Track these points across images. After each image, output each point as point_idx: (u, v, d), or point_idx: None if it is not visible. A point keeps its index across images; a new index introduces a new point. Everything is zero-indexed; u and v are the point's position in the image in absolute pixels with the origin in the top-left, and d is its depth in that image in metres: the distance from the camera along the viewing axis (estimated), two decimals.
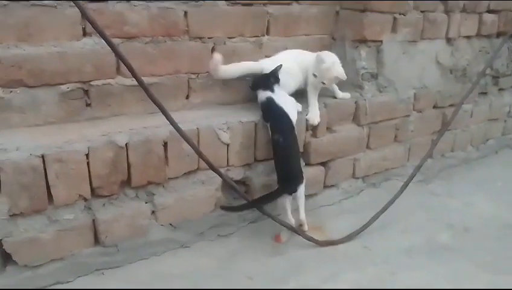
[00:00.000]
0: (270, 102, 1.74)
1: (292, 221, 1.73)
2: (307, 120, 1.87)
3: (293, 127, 1.74)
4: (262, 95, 1.77)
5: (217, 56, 1.72)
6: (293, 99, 1.84)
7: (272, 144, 1.72)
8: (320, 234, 1.83)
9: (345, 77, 1.82)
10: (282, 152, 1.70)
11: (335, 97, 2.03)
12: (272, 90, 1.76)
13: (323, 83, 1.83)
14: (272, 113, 1.74)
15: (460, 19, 2.36)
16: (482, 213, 2.11)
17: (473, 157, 2.79)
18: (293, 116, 1.76)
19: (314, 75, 1.82)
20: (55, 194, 1.41)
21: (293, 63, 1.86)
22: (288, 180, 1.70)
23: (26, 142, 1.37)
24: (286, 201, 1.71)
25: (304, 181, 1.74)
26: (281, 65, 1.79)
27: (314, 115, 1.87)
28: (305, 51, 1.94)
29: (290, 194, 1.71)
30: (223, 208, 1.73)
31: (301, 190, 1.73)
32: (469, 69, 2.54)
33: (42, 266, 1.45)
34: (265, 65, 1.83)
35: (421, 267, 1.67)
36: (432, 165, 2.51)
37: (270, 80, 1.78)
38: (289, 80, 1.84)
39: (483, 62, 2.53)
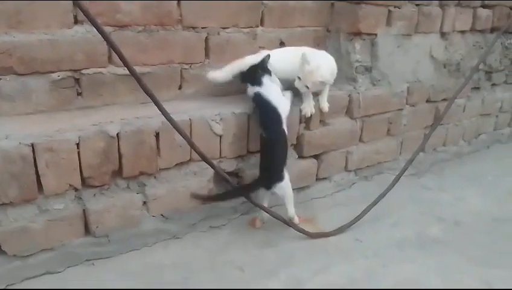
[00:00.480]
0: (257, 97, 1.71)
1: (263, 215, 1.78)
2: (300, 110, 1.87)
3: (281, 122, 1.68)
4: (251, 90, 1.73)
5: (212, 75, 1.78)
6: (286, 92, 1.80)
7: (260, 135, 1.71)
8: (311, 226, 1.83)
9: (331, 82, 1.77)
10: (264, 147, 1.69)
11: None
12: (260, 84, 1.71)
13: (307, 87, 1.75)
14: (260, 108, 1.71)
15: (455, 13, 2.36)
16: (472, 207, 2.13)
17: (464, 152, 2.81)
18: (283, 110, 1.71)
19: (299, 78, 1.74)
20: (45, 184, 1.39)
21: (290, 54, 1.81)
22: (265, 175, 1.69)
23: (16, 131, 1.35)
24: (264, 195, 1.75)
25: (285, 180, 1.69)
26: (268, 55, 1.74)
27: (308, 107, 1.85)
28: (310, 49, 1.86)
29: (266, 189, 1.70)
30: (195, 196, 1.69)
31: (280, 187, 1.69)
32: (463, 63, 2.54)
33: (32, 256, 1.43)
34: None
35: (412, 260, 1.67)
36: (424, 159, 2.52)
37: (258, 72, 1.73)
38: (287, 67, 1.79)
39: (477, 57, 2.54)
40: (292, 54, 1.81)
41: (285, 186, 1.70)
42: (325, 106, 1.89)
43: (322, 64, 1.72)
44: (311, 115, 1.87)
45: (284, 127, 1.70)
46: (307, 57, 1.68)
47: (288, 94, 1.81)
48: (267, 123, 1.68)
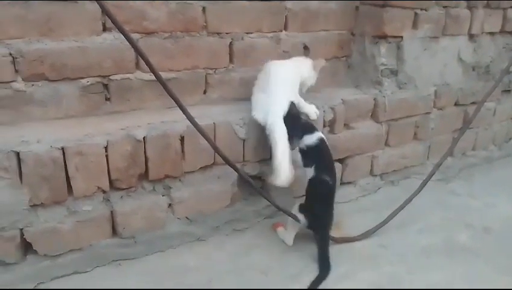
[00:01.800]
0: (322, 142, 1.68)
1: (289, 242, 1.73)
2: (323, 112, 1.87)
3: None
4: (308, 139, 1.66)
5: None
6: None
7: (316, 182, 1.66)
8: (336, 231, 1.81)
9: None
10: (330, 194, 1.68)
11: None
12: (312, 131, 1.68)
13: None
14: (324, 153, 1.69)
15: (483, 15, 2.31)
16: (503, 214, 2.06)
17: (495, 157, 2.73)
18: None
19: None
20: (74, 186, 1.44)
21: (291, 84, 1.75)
22: (319, 223, 1.67)
23: (47, 135, 1.40)
24: (295, 226, 1.71)
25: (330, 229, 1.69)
26: (292, 102, 1.65)
27: (312, 109, 1.82)
28: (290, 62, 1.80)
29: (310, 229, 1.69)
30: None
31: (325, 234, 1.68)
32: (492, 66, 2.48)
33: (61, 256, 1.48)
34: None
35: (438, 268, 1.64)
36: (452, 163, 2.47)
37: (299, 121, 1.68)
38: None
39: (507, 59, 2.46)
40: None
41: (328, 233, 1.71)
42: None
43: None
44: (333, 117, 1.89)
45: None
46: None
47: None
48: (332, 169, 1.69)
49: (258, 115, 1.67)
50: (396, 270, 1.62)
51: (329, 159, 1.71)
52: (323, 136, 1.70)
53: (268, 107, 1.63)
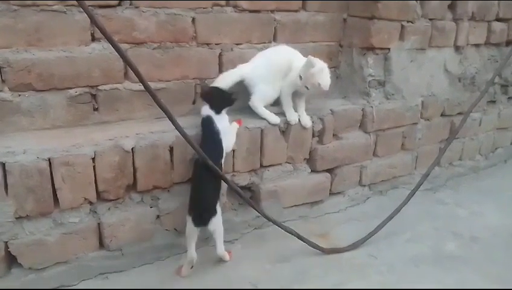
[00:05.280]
0: (207, 121, 1.60)
1: (192, 255, 1.55)
2: (300, 124, 1.85)
3: (222, 156, 1.60)
4: (205, 110, 1.62)
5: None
6: (233, 126, 1.70)
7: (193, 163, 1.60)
8: (325, 242, 1.82)
9: (327, 88, 1.71)
10: (200, 176, 1.55)
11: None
12: (218, 111, 1.62)
13: (307, 88, 1.72)
14: (206, 135, 1.60)
15: (469, 27, 2.35)
16: (490, 223, 2.08)
17: (481, 166, 2.77)
18: (227, 146, 1.64)
19: (300, 77, 1.72)
20: (61, 198, 1.42)
21: (271, 68, 1.79)
22: (199, 209, 1.55)
23: (33, 146, 1.38)
24: (192, 231, 1.55)
25: (218, 215, 1.57)
26: (237, 92, 1.68)
27: (292, 116, 1.82)
28: (294, 51, 1.85)
29: (203, 225, 1.55)
30: None
31: (214, 223, 1.55)
32: (478, 77, 2.52)
33: (47, 269, 1.45)
34: (244, 71, 1.77)
35: (427, 277, 1.65)
36: (439, 173, 2.49)
37: (225, 98, 1.65)
38: (269, 91, 1.80)
39: (492, 70, 2.51)
40: (268, 59, 1.81)
41: (218, 222, 1.58)
42: (307, 121, 1.86)
43: (325, 69, 1.71)
44: (315, 126, 1.88)
45: (222, 161, 1.62)
46: (313, 60, 1.67)
47: (235, 128, 1.71)
48: (209, 152, 1.53)
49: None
50: (385, 280, 1.62)
51: (210, 142, 1.58)
52: (214, 117, 1.60)
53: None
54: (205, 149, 1.52)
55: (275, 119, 1.79)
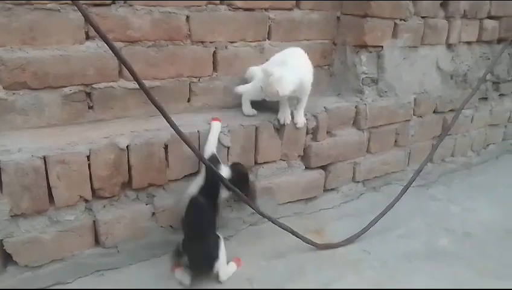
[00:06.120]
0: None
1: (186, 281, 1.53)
2: (295, 124, 1.86)
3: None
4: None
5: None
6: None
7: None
8: (319, 237, 1.83)
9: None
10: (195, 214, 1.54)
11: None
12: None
13: (267, 96, 1.68)
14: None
15: (461, 25, 2.38)
16: (482, 218, 2.11)
17: (473, 163, 2.80)
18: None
19: (261, 87, 1.69)
20: (56, 195, 1.42)
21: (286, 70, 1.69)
22: (201, 257, 1.53)
23: (28, 144, 1.39)
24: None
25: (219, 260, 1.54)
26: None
27: (283, 115, 1.82)
28: (304, 56, 1.80)
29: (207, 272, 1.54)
30: None
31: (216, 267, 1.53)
32: (470, 74, 2.54)
33: (42, 267, 1.46)
34: (303, 72, 1.75)
35: (420, 272, 1.67)
36: (432, 169, 2.52)
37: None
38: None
39: (484, 68, 2.54)
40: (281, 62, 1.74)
41: (223, 262, 1.56)
42: (300, 121, 1.86)
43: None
44: (295, 123, 1.87)
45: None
46: (268, 70, 1.61)
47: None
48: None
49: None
50: (378, 275, 1.64)
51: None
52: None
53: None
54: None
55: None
